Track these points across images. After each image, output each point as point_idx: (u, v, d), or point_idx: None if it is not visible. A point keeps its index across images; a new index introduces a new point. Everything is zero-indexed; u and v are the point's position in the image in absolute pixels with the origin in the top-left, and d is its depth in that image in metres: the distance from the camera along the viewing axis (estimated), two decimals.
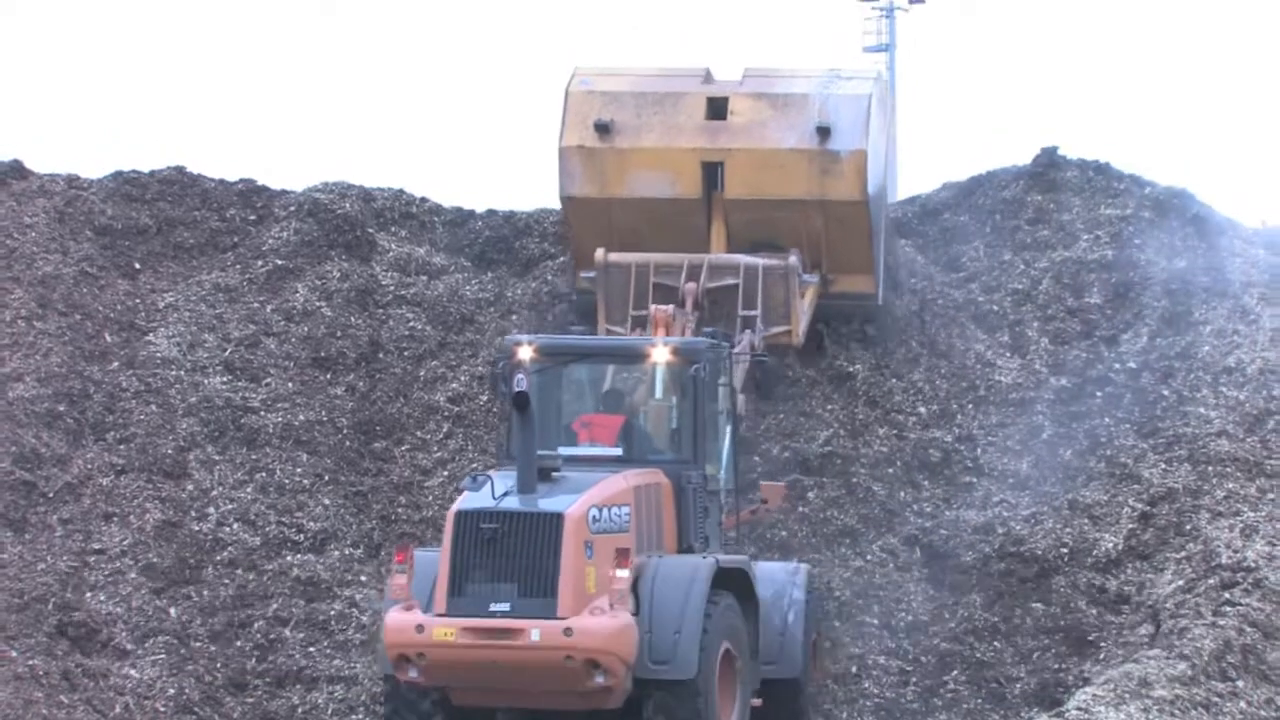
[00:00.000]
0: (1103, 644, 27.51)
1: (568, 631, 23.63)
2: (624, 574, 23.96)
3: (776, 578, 26.21)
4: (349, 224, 31.94)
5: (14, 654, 25.59)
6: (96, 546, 27.63)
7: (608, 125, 29.07)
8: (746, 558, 25.80)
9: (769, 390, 27.11)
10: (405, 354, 30.74)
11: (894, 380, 30.44)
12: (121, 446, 28.86)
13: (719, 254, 28.58)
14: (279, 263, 31.44)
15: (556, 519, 23.92)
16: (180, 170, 32.63)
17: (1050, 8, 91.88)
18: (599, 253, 28.72)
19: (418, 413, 30.49)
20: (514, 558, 23.97)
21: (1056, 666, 27.34)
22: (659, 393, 25.74)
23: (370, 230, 31.94)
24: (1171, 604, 27.23)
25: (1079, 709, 25.35)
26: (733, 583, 24.92)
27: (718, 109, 29.09)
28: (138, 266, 31.50)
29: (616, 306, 28.16)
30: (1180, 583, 27.50)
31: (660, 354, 25.42)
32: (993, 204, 32.49)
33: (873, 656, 28.14)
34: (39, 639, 25.89)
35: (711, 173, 28.91)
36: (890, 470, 29.66)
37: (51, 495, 28.07)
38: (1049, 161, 32.66)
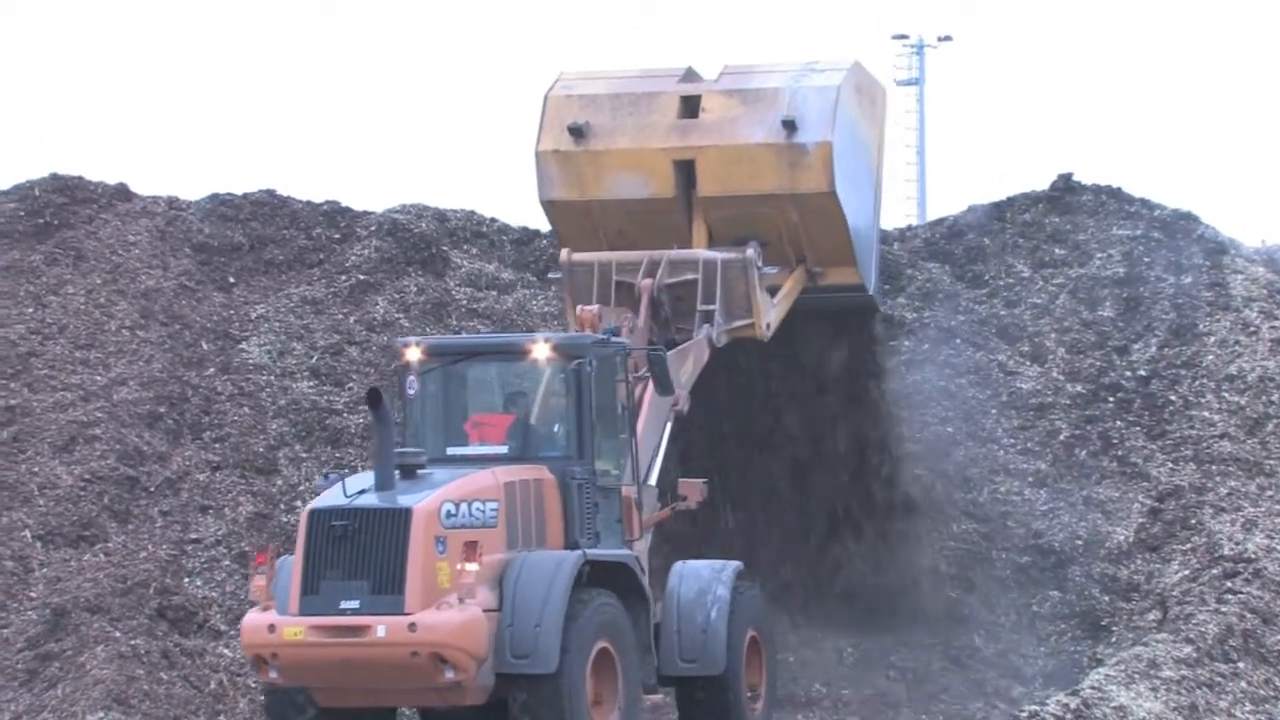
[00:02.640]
0: (1114, 628, 27.47)
1: (412, 627, 22.18)
2: (472, 567, 22.43)
3: (702, 575, 24.67)
4: (425, 242, 31.89)
5: (118, 634, 25.65)
6: (194, 536, 27.64)
7: (582, 129, 27.27)
8: (631, 553, 24.00)
9: (664, 385, 24.46)
10: None
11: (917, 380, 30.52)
12: (217, 445, 28.84)
13: (678, 250, 26.59)
14: (361, 278, 31.39)
15: (405, 514, 22.44)
16: (271, 193, 32.58)
17: (1066, 44, 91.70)
18: (564, 253, 27.01)
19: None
20: (365, 555, 22.51)
21: (1072, 649, 27.29)
22: (544, 389, 24.17)
23: (444, 248, 31.82)
24: (1178, 592, 27.23)
25: (1093, 688, 25.40)
26: (617, 579, 23.47)
27: (691, 107, 27.31)
28: (232, 281, 31.44)
29: (582, 305, 25.97)
30: (1186, 572, 27.51)
31: (541, 350, 23.79)
32: (1014, 226, 32.30)
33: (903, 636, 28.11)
34: (140, 620, 25.92)
35: (688, 171, 26.99)
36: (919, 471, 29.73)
37: (153, 489, 28.10)
38: (1065, 186, 32.47)
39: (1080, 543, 28.61)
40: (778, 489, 29.30)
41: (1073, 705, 24.89)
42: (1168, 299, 31.17)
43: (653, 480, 24.90)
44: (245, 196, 32.59)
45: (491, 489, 22.91)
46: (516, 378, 24.29)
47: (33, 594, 27.06)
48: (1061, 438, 29.98)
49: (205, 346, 29.91)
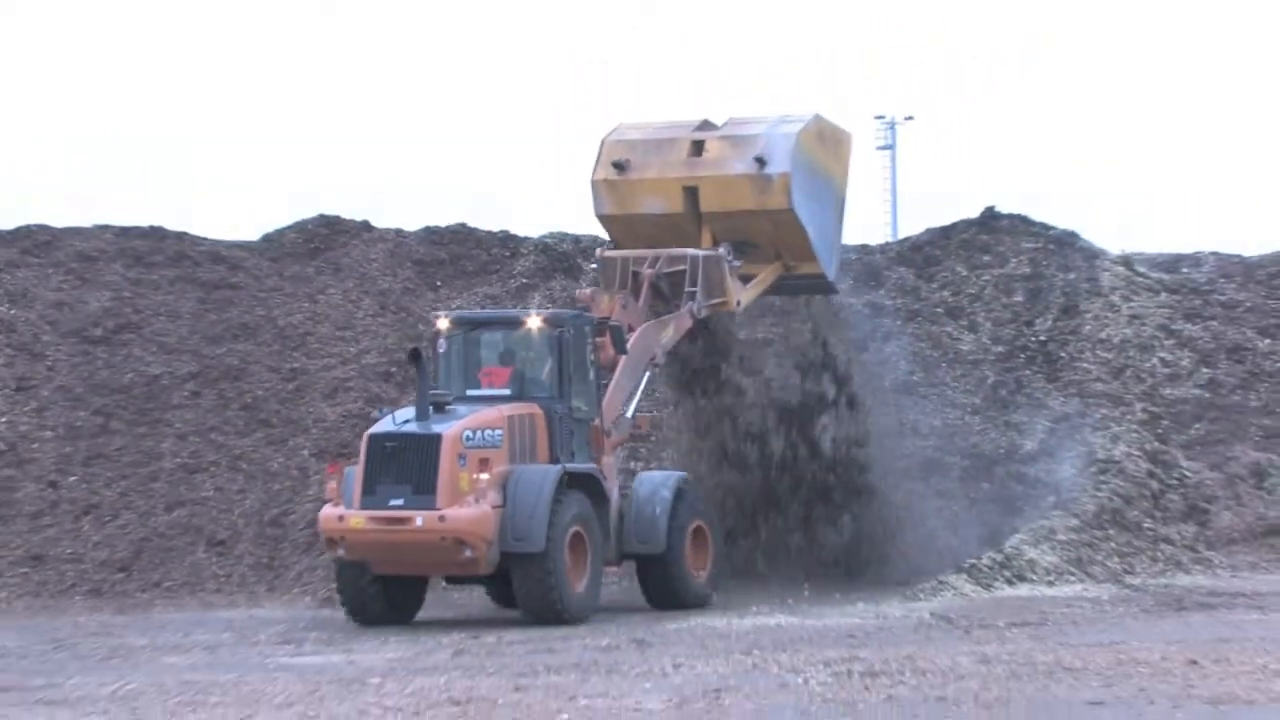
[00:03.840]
0: (1025, 508, 27.23)
1: (442, 519, 21.84)
2: (484, 476, 21.99)
3: (653, 481, 24.00)
4: (565, 257, 31.76)
5: None
6: None
7: (622, 165, 26.16)
8: (596, 466, 23.20)
9: (620, 346, 23.66)
10: None
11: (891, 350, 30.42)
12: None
13: (675, 250, 25.46)
14: (524, 281, 31.30)
15: (437, 438, 21.98)
16: (463, 225, 32.34)
17: (988, 114, 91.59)
18: (599, 251, 26.34)
19: (605, 374, 30.07)
20: (408, 466, 22.06)
21: (997, 522, 27.03)
22: (536, 349, 23.48)
23: (579, 260, 31.65)
24: (1067, 483, 27.31)
25: (1011, 548, 25.66)
26: (587, 484, 22.86)
27: (698, 149, 26.14)
28: (438, 284, 31.38)
29: (613, 288, 25.15)
30: (1073, 471, 27.58)
31: (534, 322, 23.27)
32: (956, 241, 32.15)
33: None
34: None
35: (694, 194, 25.91)
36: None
37: None
38: (990, 214, 32.31)
39: (1002, 452, 28.62)
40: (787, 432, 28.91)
41: (998, 559, 25.21)
42: (1059, 289, 31.06)
43: (629, 413, 24.11)
44: (446, 228, 32.41)
45: (498, 420, 22.46)
46: (516, 341, 23.57)
47: (310, 492, 27.25)
48: (989, 382, 29.92)
49: (421, 328, 29.57)
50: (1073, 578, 25.04)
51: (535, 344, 23.44)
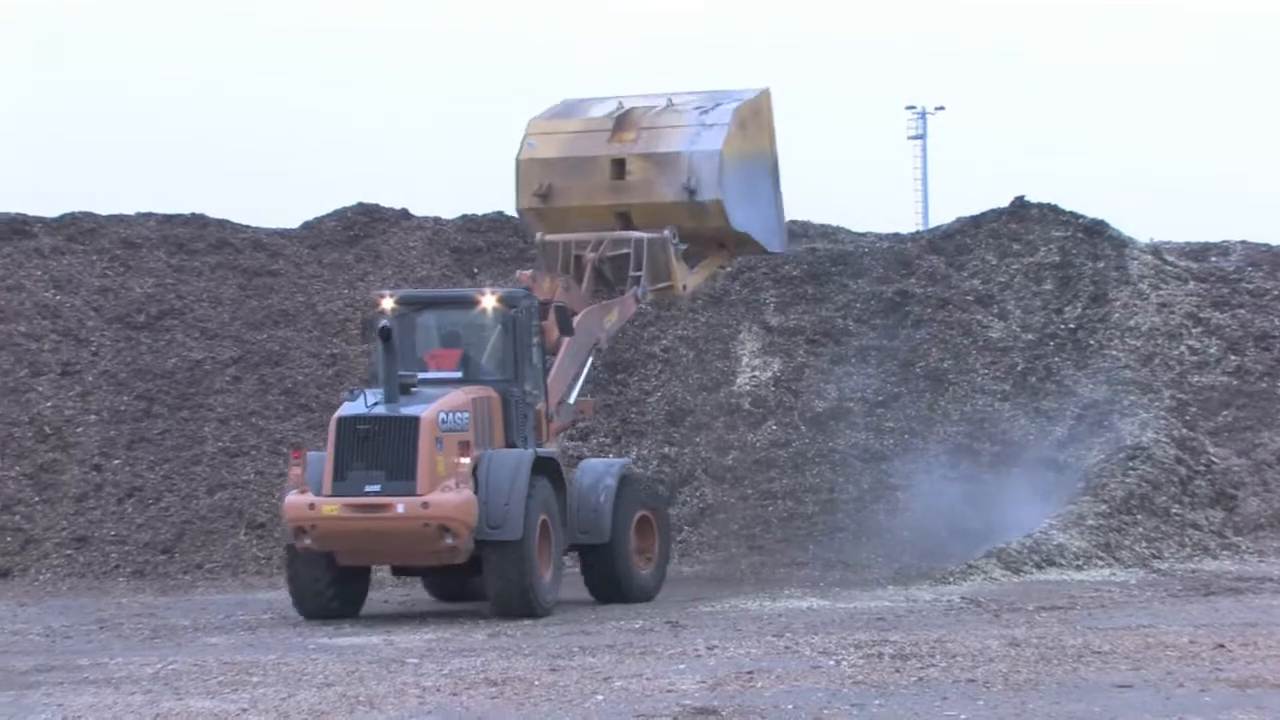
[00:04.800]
0: (1054, 494, 27.12)
1: (425, 505, 20.57)
2: (466, 461, 20.77)
3: (597, 469, 22.86)
4: None
5: None
6: None
7: (545, 194, 24.53)
8: (558, 450, 22.35)
9: (566, 328, 22.68)
10: (635, 323, 29.86)
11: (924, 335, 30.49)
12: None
13: (618, 232, 24.26)
14: None
15: (414, 421, 20.72)
16: (500, 213, 32.24)
17: (1020, 104, 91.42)
18: (538, 235, 24.55)
19: (641, 357, 30.06)
20: (382, 450, 20.76)
21: (1027, 507, 26.84)
22: (490, 330, 22.20)
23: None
24: (1096, 469, 27.24)
25: (1041, 532, 25.62)
26: (547, 470, 21.64)
27: (619, 169, 24.43)
28: (475, 271, 31.29)
29: (520, 270, 24.26)
30: (1102, 457, 27.53)
31: (489, 301, 21.99)
32: (986, 229, 32.07)
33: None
34: None
35: (626, 215, 24.50)
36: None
37: None
38: (1020, 203, 32.26)
39: (1032, 438, 28.59)
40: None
41: (1028, 543, 25.19)
42: (1088, 277, 31.00)
43: (572, 399, 23.25)
44: (484, 216, 32.38)
45: (465, 403, 21.27)
46: (466, 321, 22.28)
47: None
48: (1019, 369, 29.86)
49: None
50: (1101, 562, 25.00)
51: (488, 324, 22.18)
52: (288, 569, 21.80)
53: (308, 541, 21.00)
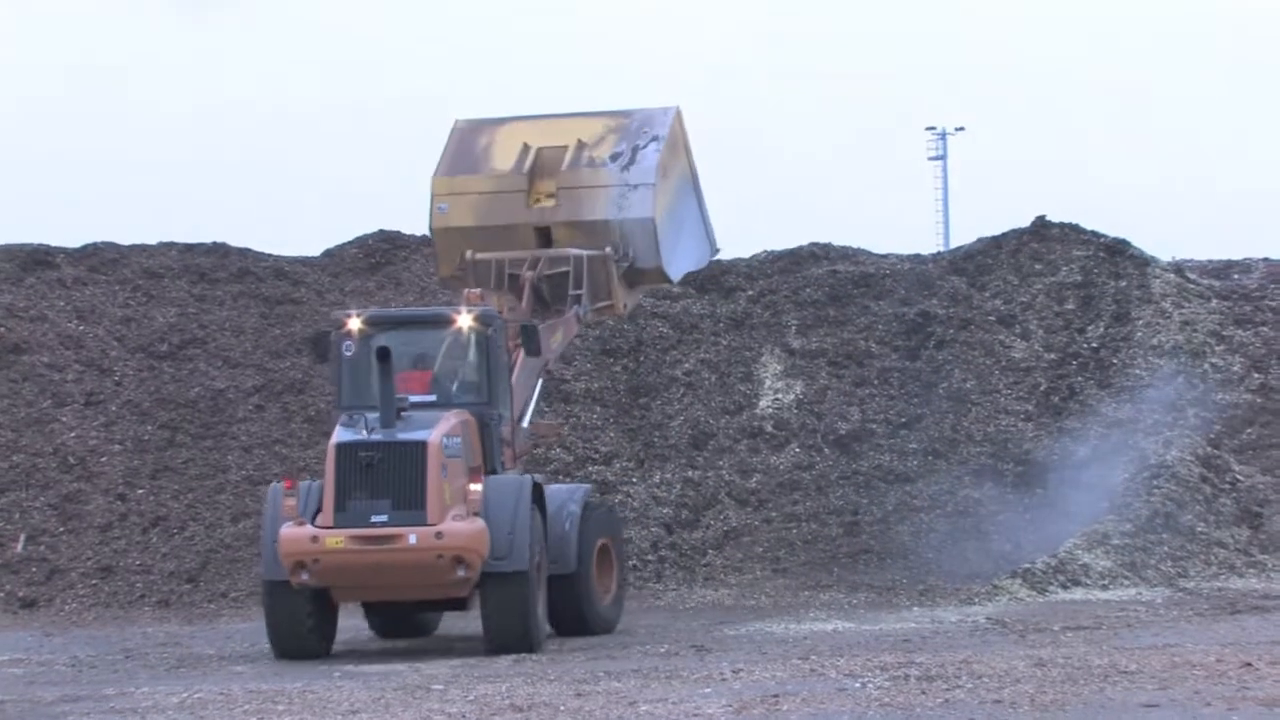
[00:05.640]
0: (1078, 514, 26.99)
1: (439, 535, 19.41)
2: (477, 488, 19.76)
3: (560, 496, 21.58)
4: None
5: None
6: None
7: (466, 265, 23.07)
8: (541, 477, 21.64)
9: (536, 349, 21.59)
10: (657, 346, 30.44)
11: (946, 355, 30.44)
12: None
13: (555, 250, 23.05)
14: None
15: (421, 446, 19.55)
16: None
17: (1036, 126, 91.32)
18: (467, 253, 23.06)
19: (664, 381, 30.04)
20: (387, 478, 19.54)
21: (1051, 527, 26.85)
22: (463, 350, 21.04)
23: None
24: (1121, 488, 27.18)
25: (1065, 552, 25.58)
26: (537, 498, 20.59)
27: (544, 237, 23.27)
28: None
29: (469, 289, 22.47)
30: (1126, 475, 27.46)
31: (465, 320, 20.76)
32: (1007, 250, 32.02)
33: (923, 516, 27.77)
34: None
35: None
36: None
37: None
38: (1041, 223, 32.23)
39: (1056, 458, 28.45)
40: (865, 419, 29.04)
41: (1053, 563, 25.17)
42: (1110, 296, 30.95)
43: (525, 423, 22.19)
44: None
45: (457, 427, 20.21)
46: (437, 342, 20.99)
47: None
48: (1042, 389, 29.80)
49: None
50: (1126, 582, 24.96)
51: (461, 345, 21.03)
52: (268, 608, 20.36)
53: (305, 577, 19.70)
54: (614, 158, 23.47)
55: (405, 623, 22.54)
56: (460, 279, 23.27)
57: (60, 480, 28.01)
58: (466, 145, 23.81)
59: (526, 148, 23.51)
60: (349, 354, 20.77)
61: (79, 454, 28.39)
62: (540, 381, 22.96)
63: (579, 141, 23.54)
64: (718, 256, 26.42)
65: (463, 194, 23.48)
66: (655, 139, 23.55)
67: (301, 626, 20.20)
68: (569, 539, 21.32)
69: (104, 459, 28.41)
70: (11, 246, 31.59)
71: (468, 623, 22.11)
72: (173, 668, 20.40)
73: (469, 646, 21.31)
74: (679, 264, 24.00)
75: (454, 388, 21.03)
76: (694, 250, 24.52)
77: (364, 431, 19.81)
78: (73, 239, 31.98)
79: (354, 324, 20.79)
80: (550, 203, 23.38)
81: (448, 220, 23.50)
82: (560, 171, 23.38)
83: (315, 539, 19.54)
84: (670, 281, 24.43)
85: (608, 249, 23.04)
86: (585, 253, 22.95)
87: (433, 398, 20.69)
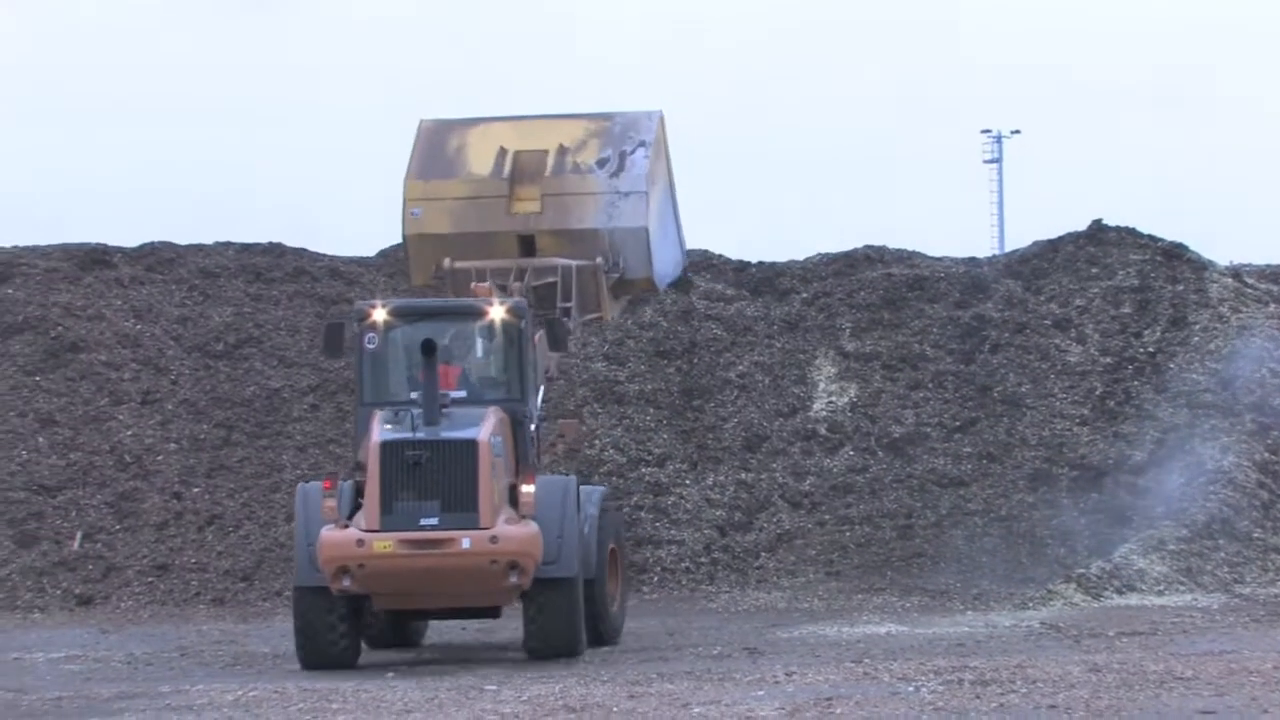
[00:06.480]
0: (1134, 518, 26.97)
1: (494, 539, 18.41)
2: (530, 489, 18.80)
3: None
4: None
5: None
6: None
7: (444, 275, 21.96)
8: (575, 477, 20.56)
9: (563, 344, 20.67)
10: (711, 348, 30.45)
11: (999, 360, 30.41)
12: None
13: (541, 259, 21.80)
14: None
15: (472, 445, 18.57)
16: None
17: (1094, 128, 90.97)
18: (445, 261, 21.86)
19: (717, 383, 29.97)
20: (436, 479, 18.51)
21: (1107, 532, 26.83)
22: (493, 344, 20.06)
23: (689, 275, 31.30)
24: (1177, 494, 27.02)
25: (1121, 557, 25.47)
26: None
27: (527, 245, 22.05)
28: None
29: (476, 283, 21.45)
30: (1182, 480, 27.30)
31: (497, 312, 19.74)
32: (1063, 254, 31.89)
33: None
34: None
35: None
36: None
37: None
38: (1097, 227, 32.11)
39: (1111, 462, 28.34)
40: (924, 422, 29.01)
41: (1108, 568, 25.06)
42: (1167, 300, 30.80)
43: (532, 426, 20.61)
44: None
45: (498, 425, 19.23)
46: (466, 335, 20.09)
47: None
48: (1097, 393, 29.63)
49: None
50: (1182, 587, 24.84)
51: (492, 338, 20.08)
52: (299, 614, 19.33)
53: (347, 583, 18.64)
54: (601, 163, 22.34)
55: (396, 632, 21.37)
56: (436, 288, 22.26)
57: (117, 478, 28.19)
58: (436, 147, 22.59)
59: (504, 151, 22.30)
60: (371, 346, 19.78)
61: (135, 452, 28.56)
62: (543, 388, 21.83)
63: (560, 146, 22.39)
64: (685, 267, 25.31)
65: (438, 199, 22.18)
66: (643, 144, 22.46)
67: (334, 634, 19.20)
68: (589, 543, 20.15)
69: (160, 457, 28.58)
70: (70, 246, 31.86)
71: (455, 633, 22.07)
72: (228, 665, 20.52)
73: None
74: (664, 273, 23.09)
75: (482, 382, 20.12)
76: (673, 259, 23.65)
77: (409, 429, 18.82)
78: (130, 238, 32.23)
79: (378, 315, 19.77)
80: (534, 209, 22.15)
81: (421, 226, 22.27)
82: (544, 177, 22.22)
83: (361, 542, 18.46)
84: (656, 291, 23.89)
85: (598, 259, 21.82)
86: (575, 263, 21.67)
87: (463, 394, 19.62)
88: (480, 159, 22.40)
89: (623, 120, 22.73)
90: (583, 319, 22.12)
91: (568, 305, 21.42)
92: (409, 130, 22.92)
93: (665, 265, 23.17)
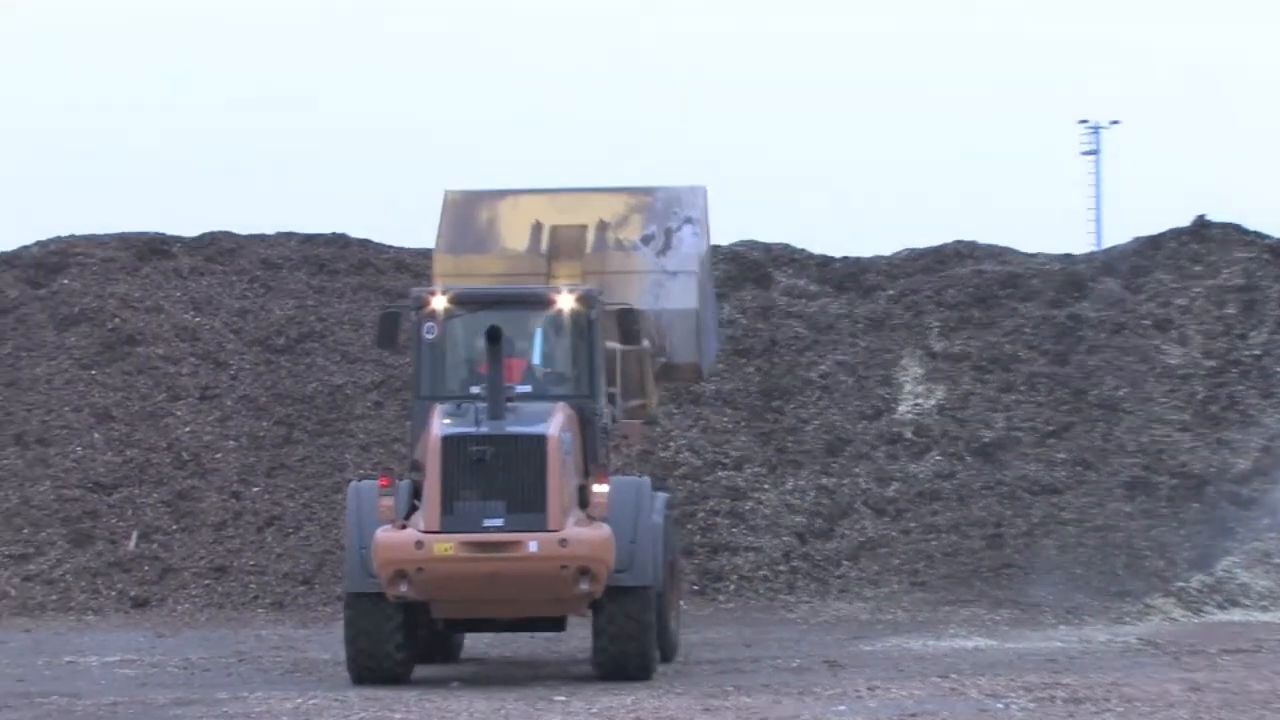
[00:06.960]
0: (1238, 530, 26.79)
1: (563, 542, 17.71)
2: (603, 490, 18.08)
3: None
4: (755, 265, 31.68)
5: None
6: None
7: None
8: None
9: (635, 337, 19.57)
10: (792, 347, 30.36)
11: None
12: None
13: None
14: (715, 290, 31.18)
15: (541, 440, 17.91)
16: None
17: (1195, 121, 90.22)
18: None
19: (799, 383, 29.89)
20: (502, 477, 17.87)
21: (1208, 544, 26.66)
22: (561, 336, 19.39)
23: (769, 270, 31.66)
24: None
25: (1224, 570, 25.34)
26: None
27: None
28: None
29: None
30: None
31: (566, 300, 19.01)
32: (1165, 250, 31.71)
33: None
34: None
35: None
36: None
37: None
38: (1201, 223, 31.90)
39: (1214, 470, 28.19)
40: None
41: (1209, 582, 24.94)
42: (1274, 300, 30.59)
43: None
44: None
45: (567, 421, 18.58)
46: (531, 326, 19.37)
47: None
48: (1199, 397, 29.46)
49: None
50: None
51: (560, 329, 19.36)
52: (350, 623, 18.63)
53: (404, 589, 17.95)
54: (646, 240, 21.68)
55: (436, 645, 20.27)
56: None
57: (174, 476, 28.34)
58: (465, 220, 21.85)
59: (540, 225, 21.56)
60: (430, 336, 19.10)
61: (193, 449, 28.72)
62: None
63: (600, 221, 21.67)
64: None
65: (471, 275, 21.11)
66: (689, 220, 21.88)
67: (389, 645, 18.50)
68: (655, 554, 19.07)
69: (218, 455, 28.72)
70: (128, 235, 32.02)
71: (487, 646, 21.90)
72: (287, 672, 20.59)
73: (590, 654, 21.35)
74: (709, 357, 22.68)
75: (548, 376, 19.47)
76: (715, 346, 23.33)
77: (472, 423, 18.18)
78: (190, 228, 32.36)
79: (438, 303, 19.05)
80: (574, 281, 20.99)
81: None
82: (585, 254, 21.40)
83: (420, 544, 17.82)
84: (701, 379, 23.31)
85: (645, 343, 20.59)
86: (619, 347, 20.12)
87: (527, 388, 19.01)
88: (514, 233, 21.65)
89: (665, 195, 22.12)
90: (627, 405, 20.76)
91: (612, 390, 20.06)
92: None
93: (709, 349, 22.71)
